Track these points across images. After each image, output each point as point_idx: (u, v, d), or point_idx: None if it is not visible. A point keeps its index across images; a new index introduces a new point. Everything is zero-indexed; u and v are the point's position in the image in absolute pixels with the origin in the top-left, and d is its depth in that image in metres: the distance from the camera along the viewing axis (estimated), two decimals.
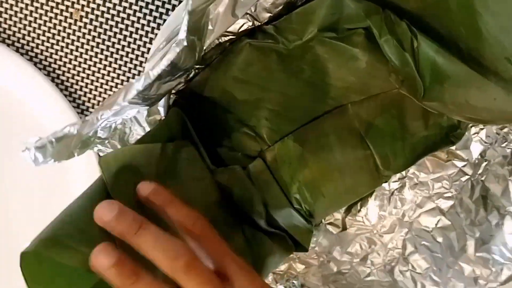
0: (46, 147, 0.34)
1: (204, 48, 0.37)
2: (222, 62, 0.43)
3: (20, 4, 0.49)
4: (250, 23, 0.41)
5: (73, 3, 0.49)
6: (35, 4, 0.49)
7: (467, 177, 0.48)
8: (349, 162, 0.42)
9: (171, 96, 0.45)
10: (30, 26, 0.50)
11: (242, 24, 0.41)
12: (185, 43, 0.29)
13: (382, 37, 0.39)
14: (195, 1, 0.29)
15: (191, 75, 0.44)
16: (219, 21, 0.37)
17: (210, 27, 0.37)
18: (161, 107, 0.42)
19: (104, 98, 0.53)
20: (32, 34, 0.50)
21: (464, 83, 0.36)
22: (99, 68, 0.51)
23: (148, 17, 0.49)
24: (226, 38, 0.42)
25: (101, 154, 0.44)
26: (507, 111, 0.36)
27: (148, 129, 0.43)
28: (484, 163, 0.47)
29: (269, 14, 0.41)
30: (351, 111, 0.42)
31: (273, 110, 0.43)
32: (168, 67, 0.30)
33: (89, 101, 0.53)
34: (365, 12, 0.40)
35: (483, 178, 0.47)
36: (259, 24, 0.42)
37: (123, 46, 0.50)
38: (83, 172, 0.53)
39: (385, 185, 0.48)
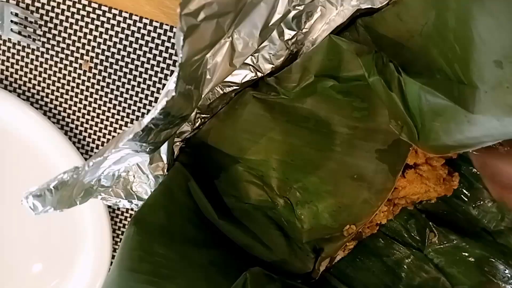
0: (45, 195, 0.34)
1: (203, 96, 0.38)
2: (228, 113, 0.44)
3: (31, 56, 0.51)
4: (253, 74, 0.42)
5: (82, 54, 0.50)
6: (45, 55, 0.50)
7: None
8: None
9: (178, 144, 0.45)
10: (40, 76, 0.51)
11: (245, 75, 0.42)
12: (173, 94, 0.29)
13: (371, 77, 0.39)
14: (186, 54, 0.29)
15: (197, 124, 0.44)
16: (217, 70, 0.38)
17: (208, 76, 0.37)
18: (163, 154, 0.42)
19: None
20: (42, 84, 0.52)
21: (453, 118, 0.35)
22: (108, 117, 0.52)
23: (155, 68, 0.50)
24: (231, 89, 0.43)
25: (105, 202, 0.44)
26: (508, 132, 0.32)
27: (151, 176, 0.43)
28: None
29: (271, 65, 0.42)
30: None
31: (280, 160, 0.43)
32: (160, 115, 0.31)
33: (97, 148, 0.53)
34: (357, 52, 0.40)
35: None
36: (262, 75, 0.43)
37: (131, 95, 0.51)
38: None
39: None
